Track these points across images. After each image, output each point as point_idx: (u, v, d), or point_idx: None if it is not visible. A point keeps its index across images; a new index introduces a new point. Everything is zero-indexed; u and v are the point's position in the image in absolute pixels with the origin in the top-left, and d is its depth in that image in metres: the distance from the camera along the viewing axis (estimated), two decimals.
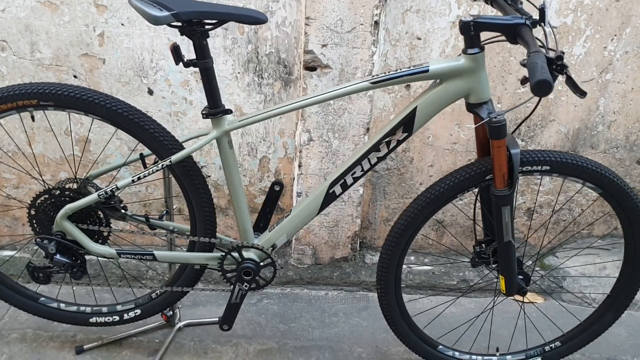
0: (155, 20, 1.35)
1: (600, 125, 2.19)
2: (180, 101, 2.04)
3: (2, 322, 2.00)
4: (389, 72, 1.45)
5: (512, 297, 2.07)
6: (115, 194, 1.61)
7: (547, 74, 1.10)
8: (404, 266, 2.15)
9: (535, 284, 2.27)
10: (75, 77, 1.98)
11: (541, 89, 1.09)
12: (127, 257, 1.67)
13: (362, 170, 1.58)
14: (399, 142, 1.54)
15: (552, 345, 1.91)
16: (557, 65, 1.22)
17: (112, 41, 1.94)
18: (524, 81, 1.25)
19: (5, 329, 1.97)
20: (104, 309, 1.86)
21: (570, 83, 1.23)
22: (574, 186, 2.28)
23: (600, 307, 1.86)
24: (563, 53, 1.23)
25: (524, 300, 2.17)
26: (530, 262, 1.95)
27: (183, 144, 1.58)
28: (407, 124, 1.50)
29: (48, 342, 1.93)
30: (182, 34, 1.42)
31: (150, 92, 2.02)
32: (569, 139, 2.20)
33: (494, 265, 1.72)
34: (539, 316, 2.11)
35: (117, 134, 2.04)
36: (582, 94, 1.21)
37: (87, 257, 1.68)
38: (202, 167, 2.15)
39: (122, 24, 1.92)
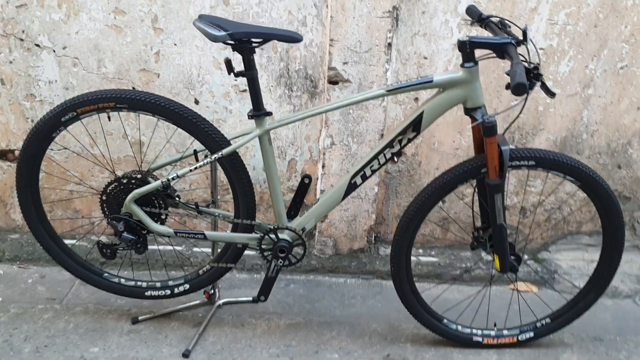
0: (215, 39, 1.70)
1: (585, 133, 2.51)
2: (222, 110, 2.39)
3: (66, 298, 2.32)
4: (400, 82, 1.79)
5: (510, 287, 2.39)
6: (175, 181, 1.93)
7: (523, 78, 1.43)
8: (413, 257, 2.45)
9: (533, 273, 2.57)
10: (133, 88, 2.34)
11: (518, 89, 1.42)
12: (182, 236, 2.00)
13: (379, 163, 1.91)
14: (409, 140, 1.87)
15: (543, 321, 2.19)
16: (534, 73, 1.56)
17: (165, 59, 2.30)
18: (507, 86, 1.58)
19: (70, 304, 2.29)
20: (158, 284, 2.17)
21: (544, 87, 1.56)
22: (563, 187, 2.58)
23: (584, 287, 2.15)
24: (539, 64, 1.57)
25: (520, 289, 2.49)
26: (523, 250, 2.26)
27: (230, 141, 1.92)
28: (416, 125, 1.83)
29: (107, 314, 2.24)
30: (233, 50, 1.76)
31: (197, 102, 2.37)
32: (557, 146, 2.52)
33: (490, 249, 2.03)
34: (533, 302, 2.40)
35: (166, 136, 2.39)
36: (552, 95, 1.55)
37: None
38: None
39: (175, 44, 2.28)
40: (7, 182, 2.50)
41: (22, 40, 2.24)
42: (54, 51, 2.27)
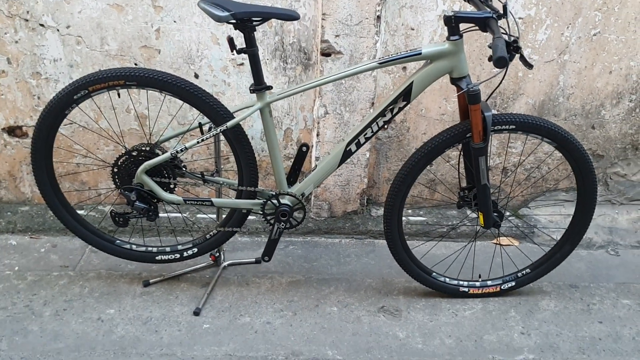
0: (219, 19, 1.82)
1: (561, 97, 2.68)
2: (220, 83, 2.52)
3: (79, 265, 2.47)
4: (391, 55, 1.93)
5: (493, 242, 2.57)
6: (183, 152, 2.07)
7: (504, 52, 1.59)
8: (403, 217, 2.62)
9: (515, 228, 2.77)
10: (135, 64, 2.45)
11: (500, 62, 1.58)
12: (191, 203, 2.15)
13: (372, 131, 2.06)
14: (400, 109, 2.02)
15: (524, 272, 2.39)
16: (513, 46, 1.71)
17: (166, 35, 2.41)
18: (490, 59, 1.72)
19: (83, 270, 2.44)
20: (167, 249, 2.32)
21: (522, 59, 1.72)
22: (541, 148, 2.76)
23: (560, 239, 2.35)
24: (518, 38, 1.72)
25: (502, 243, 2.69)
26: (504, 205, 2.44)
27: (233, 114, 2.05)
28: (406, 94, 1.98)
29: (119, 278, 2.40)
30: (235, 29, 1.88)
31: (196, 76, 2.49)
32: (536, 109, 2.69)
33: (475, 207, 2.21)
34: (514, 254, 2.60)
35: (168, 110, 2.51)
36: (530, 66, 1.71)
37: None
38: None
39: (175, 21, 2.38)
40: (16, 157, 2.61)
41: (26, 20, 2.33)
42: (58, 30, 2.36)
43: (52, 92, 2.46)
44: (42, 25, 2.35)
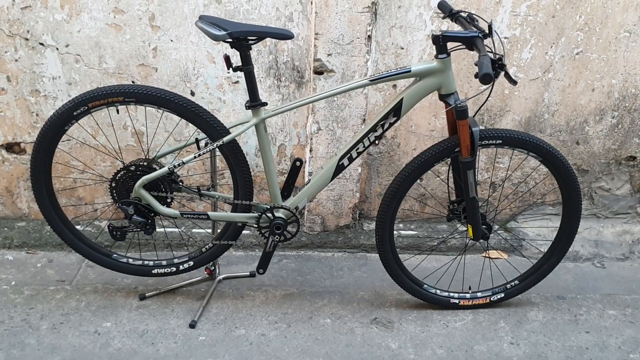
0: (216, 38, 1.88)
1: (546, 114, 2.77)
2: (216, 101, 2.58)
3: (75, 279, 2.49)
4: (382, 72, 2.00)
5: (482, 255, 2.63)
6: (180, 167, 2.12)
7: (490, 69, 1.66)
8: (394, 232, 2.68)
9: (503, 241, 2.84)
10: (133, 82, 2.51)
11: (485, 79, 1.65)
12: (188, 217, 2.20)
13: (364, 146, 2.12)
14: (391, 125, 2.09)
15: (512, 283, 2.44)
16: (498, 64, 1.79)
17: (163, 54, 2.47)
18: (476, 76, 1.80)
19: (79, 284, 2.46)
20: (164, 262, 2.36)
21: (507, 76, 1.80)
22: (528, 163, 2.84)
23: (547, 252, 2.41)
24: (503, 56, 1.80)
25: (492, 257, 2.75)
26: (492, 218, 2.51)
27: (229, 129, 2.11)
28: (397, 111, 2.05)
29: (116, 292, 2.43)
30: (232, 47, 1.94)
31: (192, 93, 2.56)
32: (522, 125, 2.77)
33: (464, 220, 2.27)
34: (503, 267, 2.66)
35: (164, 126, 2.57)
36: (514, 82, 1.79)
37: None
38: None
39: (171, 40, 2.45)
40: (14, 173, 2.65)
41: (27, 39, 2.39)
42: (57, 49, 2.42)
43: (50, 109, 2.51)
44: (41, 44, 2.41)
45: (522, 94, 2.71)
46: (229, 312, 2.34)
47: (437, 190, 2.89)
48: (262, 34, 1.95)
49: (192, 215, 2.21)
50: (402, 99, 2.03)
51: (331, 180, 2.18)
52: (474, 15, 2.02)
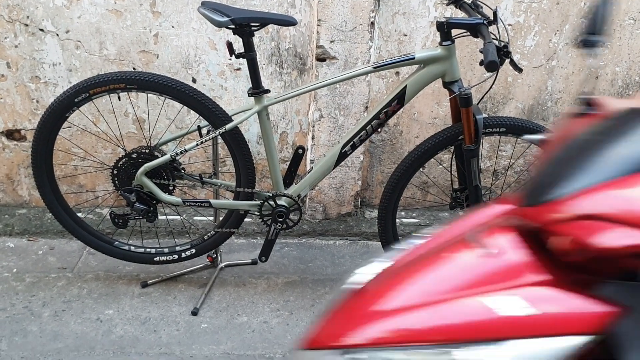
0: (219, 24, 1.87)
1: (549, 101, 2.75)
2: (218, 88, 2.56)
3: (77, 267, 2.49)
4: (385, 60, 1.99)
5: None
6: (182, 155, 2.11)
7: (495, 56, 1.65)
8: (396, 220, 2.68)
9: None
10: (134, 69, 2.49)
11: (491, 66, 1.64)
12: (190, 205, 2.19)
13: (367, 134, 2.11)
14: (394, 112, 2.08)
15: None
16: (503, 51, 1.77)
17: (164, 40, 2.45)
18: (481, 63, 1.79)
19: (81, 272, 2.46)
20: (166, 250, 2.36)
21: (512, 63, 1.78)
22: (530, 151, 2.83)
23: None
24: (508, 43, 1.78)
25: None
26: None
27: (232, 117, 2.10)
28: (400, 98, 2.04)
29: (117, 280, 2.43)
30: (234, 34, 1.93)
31: (194, 80, 2.54)
32: (525, 113, 2.76)
33: (467, 207, 2.26)
34: None
35: (166, 113, 2.56)
36: (519, 70, 1.77)
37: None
38: None
39: (173, 26, 2.43)
40: (15, 160, 2.64)
41: (26, 25, 2.37)
42: (58, 35, 2.40)
43: (51, 96, 2.50)
44: (41, 30, 2.39)
45: (526, 81, 2.69)
46: (231, 300, 2.34)
47: (440, 178, 2.88)
48: (265, 20, 1.93)
49: (194, 203, 2.21)
50: (405, 86, 2.02)
51: (334, 168, 2.18)
52: (478, 2, 2.00)
